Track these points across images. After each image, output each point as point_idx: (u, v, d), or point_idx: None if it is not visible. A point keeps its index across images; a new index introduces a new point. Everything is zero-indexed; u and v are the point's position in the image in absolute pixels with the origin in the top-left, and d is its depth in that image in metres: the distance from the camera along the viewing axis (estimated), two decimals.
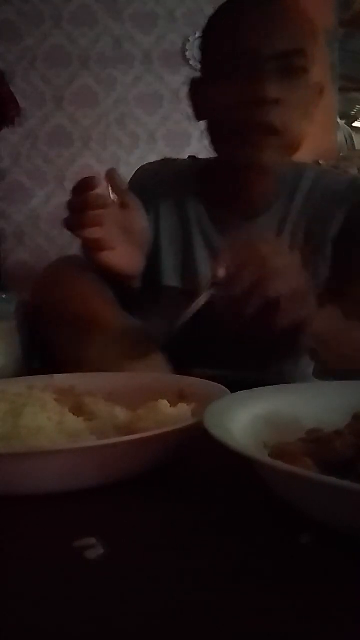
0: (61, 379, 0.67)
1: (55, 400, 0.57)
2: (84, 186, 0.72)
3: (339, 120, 3.55)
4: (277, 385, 0.58)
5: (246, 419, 0.48)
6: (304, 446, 0.45)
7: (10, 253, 2.99)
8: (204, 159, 1.10)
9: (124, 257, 0.79)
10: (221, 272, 0.63)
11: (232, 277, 0.64)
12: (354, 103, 4.62)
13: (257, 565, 0.36)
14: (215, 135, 0.96)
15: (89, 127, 2.94)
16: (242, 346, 0.92)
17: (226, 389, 0.59)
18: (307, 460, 0.41)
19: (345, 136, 3.71)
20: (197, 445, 0.48)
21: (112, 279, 0.84)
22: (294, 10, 0.90)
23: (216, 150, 0.97)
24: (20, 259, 2.98)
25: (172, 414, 0.54)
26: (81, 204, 0.72)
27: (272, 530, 0.40)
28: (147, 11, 3.17)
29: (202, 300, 0.65)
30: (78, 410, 0.58)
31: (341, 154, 3.42)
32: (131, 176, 1.09)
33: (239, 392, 0.56)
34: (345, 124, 3.94)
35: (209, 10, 3.21)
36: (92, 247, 0.75)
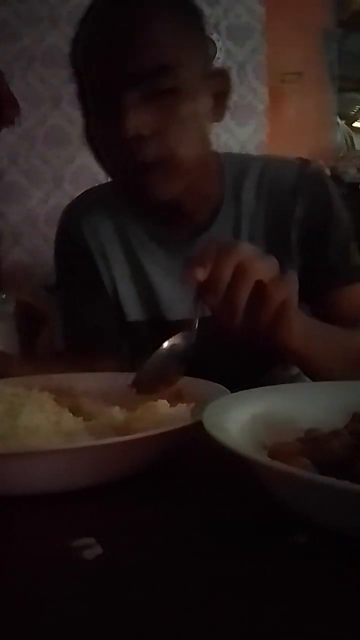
0: (59, 379, 0.67)
1: (54, 400, 0.57)
2: None
3: (338, 120, 3.56)
4: (275, 386, 0.58)
5: (244, 419, 0.48)
6: (302, 446, 0.44)
7: (7, 253, 2.99)
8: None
9: None
10: (201, 274, 0.59)
11: (213, 273, 0.60)
12: (354, 103, 4.63)
13: (254, 564, 0.36)
14: (104, 168, 0.84)
15: None
16: (229, 360, 0.83)
17: (225, 388, 0.59)
18: (304, 460, 0.41)
19: (345, 136, 3.71)
20: (196, 445, 0.48)
21: None
22: (154, 20, 0.75)
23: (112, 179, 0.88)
24: (17, 259, 2.97)
25: (170, 414, 0.54)
26: None
27: (269, 530, 0.41)
28: None
29: (195, 323, 0.62)
30: (76, 410, 0.58)
31: (340, 154, 3.43)
32: (70, 204, 1.01)
33: (237, 392, 0.56)
34: (345, 124, 3.94)
35: (208, 11, 3.20)
36: None
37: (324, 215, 0.90)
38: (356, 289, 0.91)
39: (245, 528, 0.41)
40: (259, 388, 0.56)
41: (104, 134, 0.79)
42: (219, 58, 3.25)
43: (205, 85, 0.79)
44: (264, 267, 0.62)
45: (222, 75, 0.83)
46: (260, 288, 0.61)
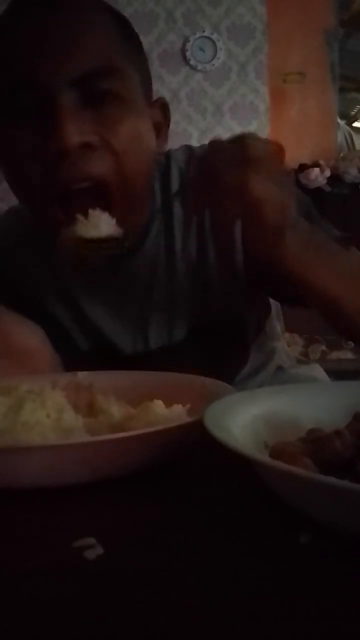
0: (83, 376, 0.68)
1: (67, 397, 0.58)
2: None
3: (339, 120, 3.56)
4: (277, 386, 0.58)
5: (246, 419, 0.48)
6: (304, 446, 0.44)
7: None
8: None
9: None
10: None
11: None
12: (354, 103, 4.63)
13: (256, 564, 0.36)
14: (17, 192, 0.74)
15: None
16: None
17: (230, 386, 0.59)
18: (306, 460, 0.41)
19: (345, 136, 3.71)
20: (198, 444, 0.48)
21: None
22: (90, 21, 0.68)
23: (28, 209, 0.76)
24: None
25: (164, 415, 0.54)
26: None
27: (271, 530, 0.40)
28: (147, 11, 3.17)
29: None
30: (92, 406, 0.59)
31: (341, 154, 3.43)
32: None
33: (239, 392, 0.56)
34: (346, 124, 3.95)
35: (209, 11, 3.22)
36: None
37: None
38: None
39: (247, 527, 0.41)
40: (261, 388, 0.56)
41: (18, 147, 0.67)
42: (219, 58, 3.26)
43: (145, 110, 0.74)
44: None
45: (162, 105, 0.80)
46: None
